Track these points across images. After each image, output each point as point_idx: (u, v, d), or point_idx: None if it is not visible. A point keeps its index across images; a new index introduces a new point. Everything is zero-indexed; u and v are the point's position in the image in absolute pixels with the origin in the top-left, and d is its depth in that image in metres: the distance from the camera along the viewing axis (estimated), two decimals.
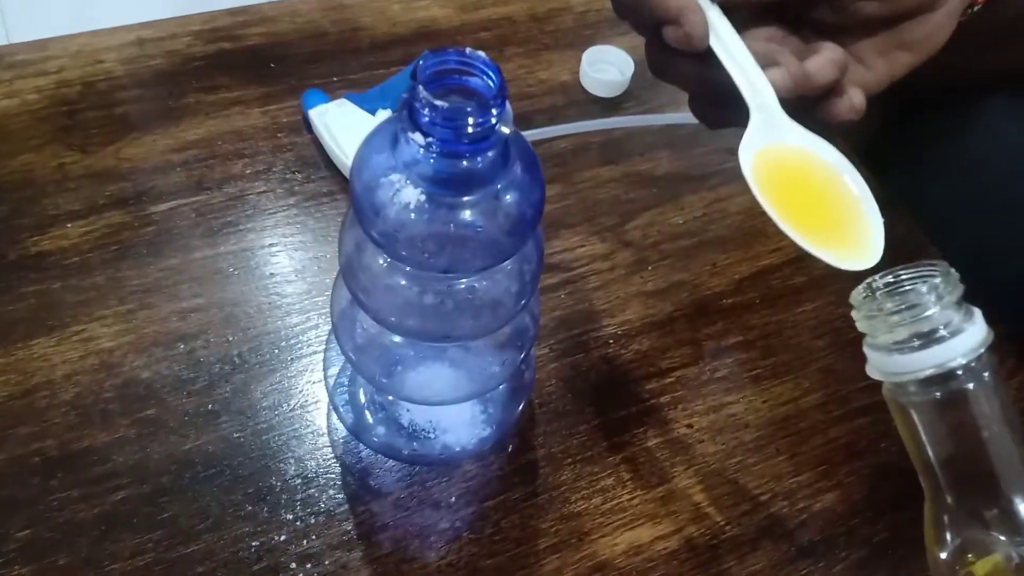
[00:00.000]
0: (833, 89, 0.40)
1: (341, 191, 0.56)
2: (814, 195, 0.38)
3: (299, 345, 0.49)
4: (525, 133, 0.58)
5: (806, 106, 0.39)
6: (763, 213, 0.59)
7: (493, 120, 0.31)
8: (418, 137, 0.31)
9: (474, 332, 0.37)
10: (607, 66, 0.65)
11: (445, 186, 0.33)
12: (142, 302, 0.49)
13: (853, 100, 0.40)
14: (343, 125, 0.56)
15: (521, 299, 0.38)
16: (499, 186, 0.33)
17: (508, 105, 0.32)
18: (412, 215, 0.33)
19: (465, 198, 0.33)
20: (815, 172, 0.38)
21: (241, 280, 0.51)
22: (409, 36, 0.65)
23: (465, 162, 0.32)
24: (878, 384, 0.53)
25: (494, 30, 0.67)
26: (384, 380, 0.40)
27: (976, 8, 0.46)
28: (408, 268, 0.35)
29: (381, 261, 0.36)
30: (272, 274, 0.51)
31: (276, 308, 0.50)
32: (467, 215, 0.33)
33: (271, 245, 0.52)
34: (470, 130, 0.31)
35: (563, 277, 0.54)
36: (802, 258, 0.57)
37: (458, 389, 0.41)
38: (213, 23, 0.63)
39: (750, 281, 0.56)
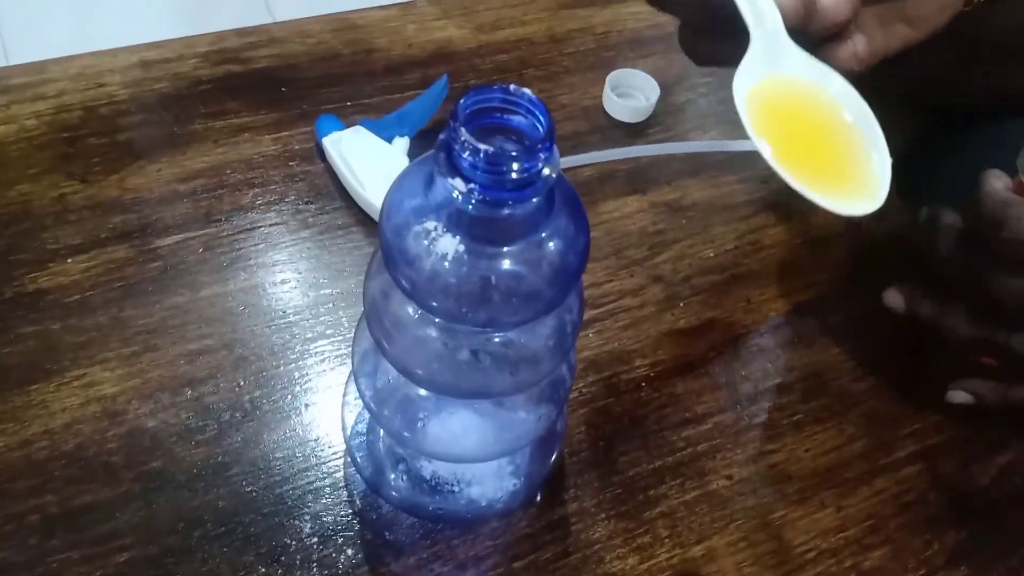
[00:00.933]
0: (840, 32, 0.36)
1: (357, 223, 0.53)
2: (815, 133, 0.34)
3: (315, 390, 0.46)
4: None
5: (805, 45, 0.36)
6: (799, 245, 0.57)
7: (541, 165, 0.28)
8: (458, 183, 0.28)
9: (510, 389, 0.35)
10: (632, 90, 0.63)
11: (486, 235, 0.30)
12: (147, 344, 0.46)
13: (857, 48, 0.37)
14: (359, 154, 0.53)
15: (561, 352, 0.35)
16: (543, 234, 0.31)
17: (555, 147, 0.30)
18: (449, 266, 0.30)
19: (507, 248, 0.30)
20: (818, 107, 0.35)
21: (252, 319, 0.48)
22: (425, 58, 0.62)
23: (508, 209, 0.29)
24: (924, 430, 0.51)
25: (512, 52, 0.64)
26: (407, 434, 0.37)
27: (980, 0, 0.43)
28: (441, 321, 0.32)
29: (411, 311, 0.33)
30: (285, 312, 0.48)
31: (289, 350, 0.47)
32: (509, 266, 0.30)
33: (283, 282, 0.50)
34: (516, 176, 0.28)
35: (591, 315, 0.52)
36: (839, 295, 0.54)
37: (489, 446, 0.38)
38: (220, 44, 0.60)
39: (786, 319, 0.53)
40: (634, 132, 0.61)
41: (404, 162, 0.54)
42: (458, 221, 0.30)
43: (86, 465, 0.42)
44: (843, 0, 0.35)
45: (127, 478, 0.42)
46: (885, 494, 0.47)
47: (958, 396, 0.49)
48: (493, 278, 0.30)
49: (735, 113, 0.65)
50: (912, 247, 0.49)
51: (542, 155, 0.28)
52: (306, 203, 0.53)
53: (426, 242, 0.30)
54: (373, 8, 0.65)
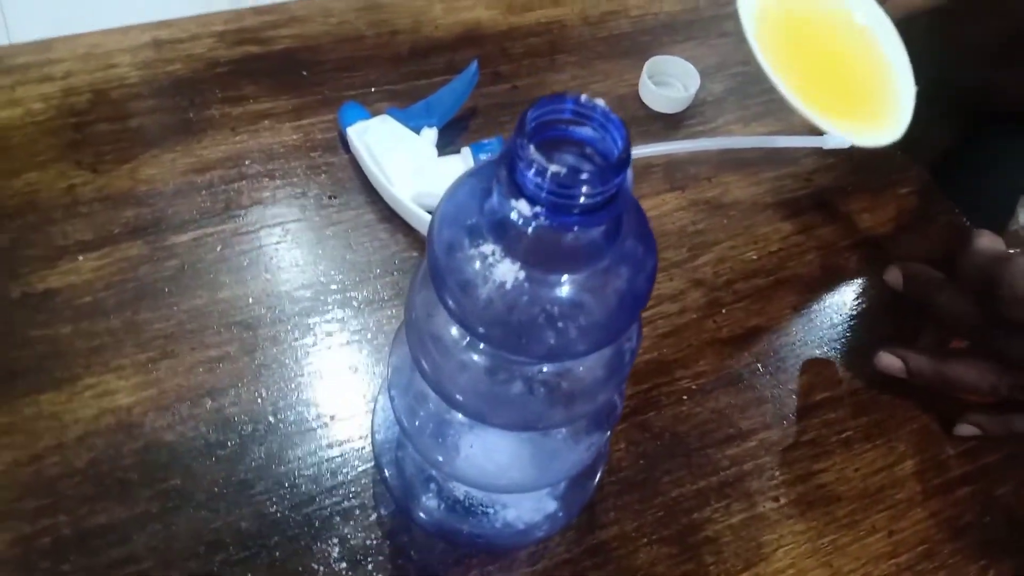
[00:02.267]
0: None
1: (383, 220, 0.50)
2: (834, 58, 0.31)
3: (342, 401, 0.43)
4: None
5: None
6: (845, 248, 0.54)
7: (616, 188, 0.25)
8: (523, 206, 0.25)
9: (561, 421, 0.32)
10: (670, 79, 0.59)
11: (548, 262, 0.27)
12: (164, 350, 0.43)
13: None
14: (385, 146, 0.50)
15: (617, 380, 0.32)
16: (610, 259, 0.28)
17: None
18: (507, 295, 0.27)
19: (571, 275, 0.27)
20: (838, 28, 0.31)
21: (274, 324, 0.45)
22: (452, 41, 0.59)
23: (575, 235, 0.26)
24: (978, 448, 0.48)
25: (544, 35, 0.61)
26: (441, 458, 0.35)
27: None
28: (492, 350, 0.30)
29: (457, 335, 0.31)
30: (309, 316, 0.46)
31: (315, 357, 0.44)
32: (572, 295, 0.28)
33: (307, 284, 0.47)
34: (588, 200, 0.25)
35: None
36: (890, 302, 0.52)
37: (532, 478, 0.35)
38: (238, 23, 0.57)
39: (833, 327, 0.50)
40: (672, 123, 0.58)
41: (433, 154, 0.51)
42: (519, 246, 0.27)
43: (100, 482, 0.39)
44: None
45: (144, 497, 0.39)
46: (939, 517, 0.45)
47: (964, 429, 0.47)
48: (555, 309, 0.27)
49: (781, 104, 0.62)
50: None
51: (618, 177, 0.25)
52: (330, 198, 0.50)
53: (481, 267, 0.27)
54: None
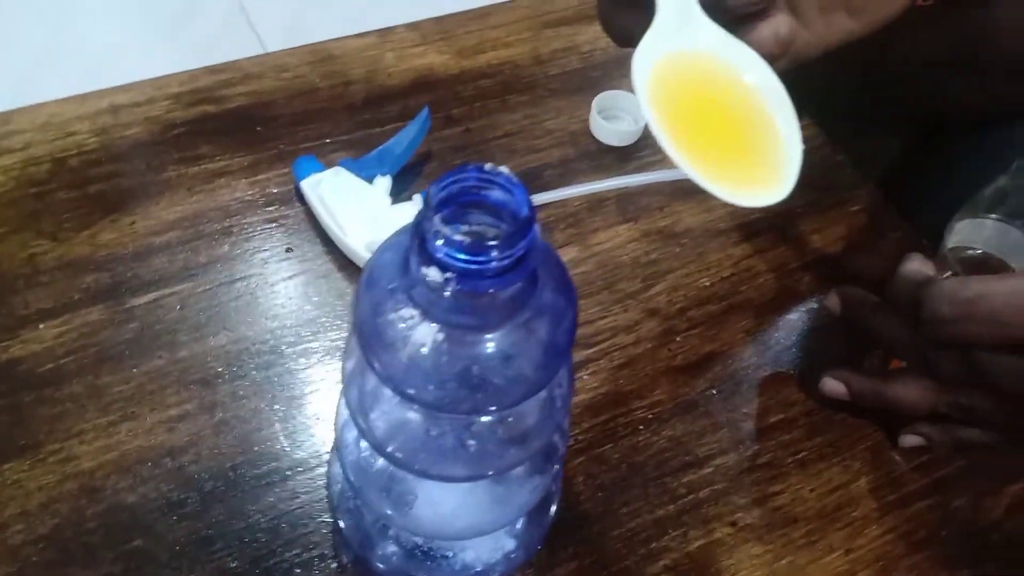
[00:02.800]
0: (761, 10, 0.34)
1: (339, 269, 0.51)
2: (722, 116, 0.32)
3: (300, 454, 0.44)
4: (534, 197, 0.54)
5: (723, 21, 0.33)
6: (796, 269, 0.55)
7: (523, 249, 0.27)
8: (434, 273, 0.26)
9: (499, 469, 0.33)
10: (619, 113, 0.61)
11: (466, 322, 0.28)
12: (125, 412, 0.44)
13: (779, 29, 0.34)
14: (339, 197, 0.51)
15: (552, 425, 0.33)
16: (528, 314, 0.29)
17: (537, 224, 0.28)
18: (428, 356, 0.28)
19: (489, 333, 0.28)
20: (729, 89, 0.32)
21: (232, 380, 0.46)
22: (405, 88, 0.60)
23: (489, 296, 0.27)
24: (935, 461, 0.49)
25: (496, 76, 0.62)
26: (392, 513, 0.36)
27: None
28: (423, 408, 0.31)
29: (389, 393, 0.32)
30: (266, 371, 0.47)
31: (272, 412, 0.45)
32: (492, 352, 0.29)
33: (264, 339, 0.48)
34: (497, 264, 0.26)
35: (584, 355, 0.50)
36: (840, 323, 0.52)
37: (480, 524, 0.36)
38: (193, 84, 0.58)
39: (786, 349, 0.51)
40: (624, 156, 0.59)
41: (386, 202, 0.52)
42: (435, 309, 0.28)
43: (64, 548, 0.40)
44: None
45: (107, 558, 0.40)
46: (896, 532, 0.45)
47: (909, 440, 0.48)
48: (476, 367, 0.28)
49: None
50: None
51: (524, 239, 0.26)
52: (287, 251, 0.51)
53: (402, 329, 0.28)
54: (350, 36, 0.63)
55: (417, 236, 0.27)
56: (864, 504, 0.46)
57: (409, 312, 0.28)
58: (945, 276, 0.44)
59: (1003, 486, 0.47)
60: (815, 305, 0.53)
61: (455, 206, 0.27)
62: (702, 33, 0.31)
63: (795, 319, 0.53)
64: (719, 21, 0.33)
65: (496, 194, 0.27)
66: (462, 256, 0.26)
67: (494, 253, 0.26)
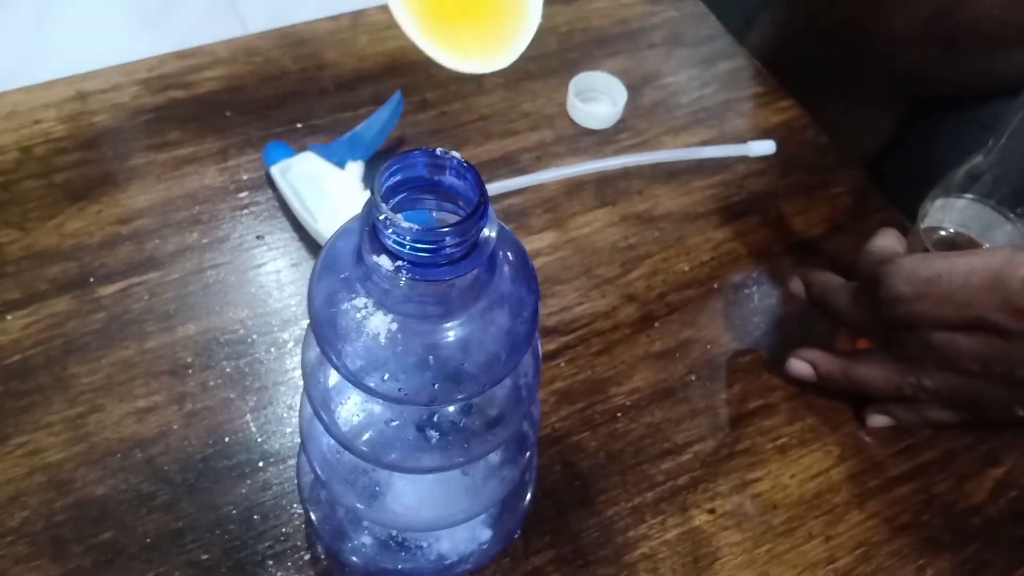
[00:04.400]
0: None
1: (311, 257, 0.50)
2: None
3: (270, 445, 0.43)
4: (508, 183, 0.53)
5: None
6: (778, 253, 0.54)
7: (476, 235, 0.26)
8: (385, 261, 0.26)
9: (465, 460, 0.32)
10: (597, 95, 0.60)
11: (420, 311, 0.27)
12: (93, 404, 0.44)
13: None
14: (309, 182, 0.50)
15: (519, 415, 0.33)
16: (486, 303, 0.28)
17: (491, 207, 0.27)
18: (384, 346, 0.28)
19: (446, 323, 0.28)
20: None
21: (201, 371, 0.45)
22: (378, 72, 0.59)
23: (444, 284, 0.27)
24: (916, 446, 0.48)
25: None
26: (360, 506, 0.35)
27: None
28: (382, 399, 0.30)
29: (350, 386, 0.31)
30: (236, 361, 0.46)
31: (242, 402, 0.45)
32: (449, 342, 0.28)
33: (233, 328, 0.47)
34: (449, 252, 0.25)
35: (562, 342, 0.49)
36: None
37: (450, 514, 0.35)
38: (161, 69, 0.57)
39: (767, 334, 0.51)
40: (602, 139, 0.59)
41: (358, 188, 0.51)
42: (389, 298, 0.27)
43: (33, 541, 0.40)
44: None
45: (77, 552, 0.40)
46: (877, 519, 0.45)
47: (876, 420, 0.47)
48: (431, 357, 0.28)
49: (710, 112, 0.62)
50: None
51: (476, 225, 0.26)
52: (257, 238, 0.51)
53: (356, 319, 0.28)
54: (323, 19, 0.62)
55: (367, 224, 0.26)
56: (845, 490, 0.46)
57: (362, 301, 0.27)
58: (901, 254, 0.44)
59: (984, 469, 0.47)
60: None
61: (407, 191, 0.27)
62: None
63: (776, 304, 0.52)
64: None
65: (449, 179, 0.27)
66: (412, 244, 0.25)
67: (445, 240, 0.25)
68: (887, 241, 0.44)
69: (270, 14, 1.48)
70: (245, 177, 0.53)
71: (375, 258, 0.26)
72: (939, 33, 0.59)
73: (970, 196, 0.42)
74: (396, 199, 0.26)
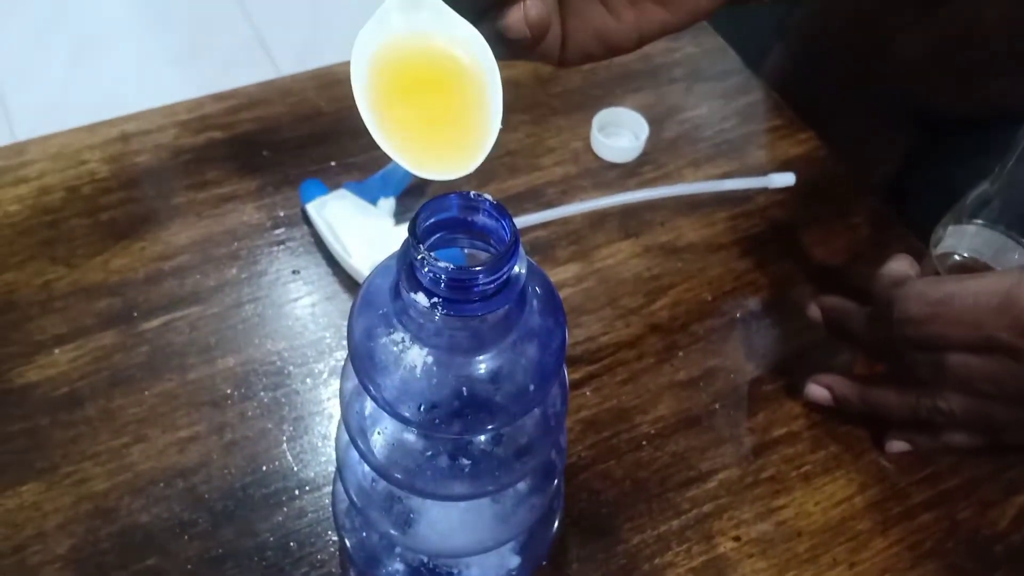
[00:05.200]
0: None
1: (345, 291, 0.52)
2: (428, 91, 0.31)
3: (307, 473, 0.45)
4: (534, 216, 0.55)
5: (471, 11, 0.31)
6: (799, 283, 0.55)
7: (507, 273, 0.27)
8: (421, 298, 0.27)
9: (495, 488, 0.33)
10: (620, 130, 0.61)
11: (455, 345, 0.29)
12: (137, 434, 0.46)
13: (529, 12, 0.31)
14: (343, 219, 0.52)
15: (547, 443, 0.34)
16: (516, 336, 0.30)
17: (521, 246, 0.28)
18: (420, 378, 0.29)
19: (478, 356, 0.29)
20: (437, 64, 0.31)
21: (240, 401, 0.47)
22: None
23: (477, 319, 0.28)
24: (939, 473, 0.49)
25: None
26: (394, 532, 0.36)
27: None
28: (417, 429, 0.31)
29: (386, 415, 0.32)
30: (274, 392, 0.48)
31: (279, 431, 0.46)
32: (481, 374, 0.29)
33: (271, 360, 0.49)
34: (482, 289, 0.27)
35: (587, 371, 0.50)
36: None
37: (481, 542, 0.37)
38: (200, 110, 0.59)
39: (789, 363, 0.52)
40: (625, 172, 0.60)
41: (390, 224, 0.53)
42: (425, 332, 0.29)
43: (80, 568, 0.41)
44: None
45: None
46: (901, 545, 0.45)
47: (895, 446, 0.48)
48: (465, 389, 0.29)
49: (729, 146, 0.64)
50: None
51: (508, 264, 0.27)
52: (292, 273, 0.53)
53: (393, 353, 0.29)
54: None
55: (404, 263, 0.28)
56: (869, 517, 0.46)
57: (400, 336, 0.29)
58: (914, 277, 0.44)
59: (1008, 497, 0.47)
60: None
61: (442, 233, 0.28)
62: (425, 15, 0.30)
63: (798, 333, 0.53)
64: (468, 9, 0.31)
65: (481, 220, 0.28)
66: (447, 282, 0.27)
67: (479, 278, 0.27)
68: (901, 265, 0.45)
69: (299, 52, 1.53)
70: (281, 214, 0.55)
71: (412, 295, 0.27)
72: (949, 60, 0.61)
73: (980, 222, 0.43)
74: (432, 239, 0.28)
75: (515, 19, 0.31)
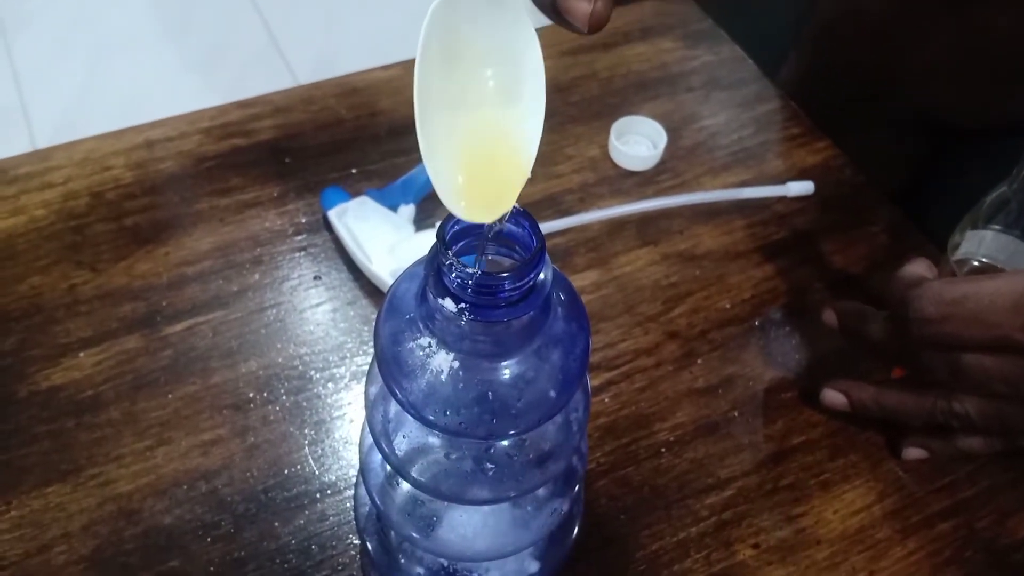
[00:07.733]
0: None
1: (366, 295, 0.52)
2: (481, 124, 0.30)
3: (328, 476, 0.45)
4: (553, 224, 0.55)
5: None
6: (818, 291, 0.55)
7: (533, 280, 0.28)
8: (449, 304, 0.28)
9: (517, 493, 0.34)
10: (638, 138, 0.62)
11: (481, 350, 0.29)
12: (160, 437, 0.46)
13: (598, 6, 0.30)
14: (364, 225, 0.53)
15: (568, 449, 0.34)
16: (541, 342, 0.30)
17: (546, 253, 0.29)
18: (445, 382, 0.29)
19: (503, 361, 0.29)
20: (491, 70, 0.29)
21: (262, 405, 0.48)
22: None
23: (503, 324, 0.28)
24: (957, 482, 0.49)
25: None
26: (416, 535, 0.37)
27: None
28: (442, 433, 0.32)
29: (410, 419, 0.33)
30: (295, 396, 0.48)
31: (301, 435, 0.47)
32: (506, 378, 0.30)
33: (293, 364, 0.49)
34: (508, 295, 0.27)
35: (606, 378, 0.51)
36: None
37: (501, 546, 0.37)
38: (223, 118, 0.60)
39: (808, 370, 0.52)
40: (643, 180, 0.60)
41: (410, 230, 0.54)
42: (451, 337, 0.29)
43: (104, 568, 0.42)
44: None
45: None
46: (919, 554, 0.45)
47: (912, 452, 0.48)
48: (490, 393, 0.29)
49: (747, 155, 0.64)
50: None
51: (534, 270, 0.27)
52: (314, 278, 0.53)
53: (420, 357, 0.30)
54: (376, 68, 0.65)
55: (432, 269, 0.28)
56: (887, 526, 0.46)
57: (426, 340, 0.29)
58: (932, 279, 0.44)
59: None
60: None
61: (469, 239, 0.29)
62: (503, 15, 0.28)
63: (816, 341, 0.53)
64: None
65: (507, 226, 0.29)
66: (474, 288, 0.27)
67: (506, 284, 0.27)
68: (917, 268, 0.45)
69: (316, 59, 1.54)
70: (303, 220, 0.55)
71: (440, 300, 0.28)
72: (963, 69, 0.61)
73: (996, 227, 0.43)
74: (459, 245, 0.28)
75: (581, 12, 0.30)
